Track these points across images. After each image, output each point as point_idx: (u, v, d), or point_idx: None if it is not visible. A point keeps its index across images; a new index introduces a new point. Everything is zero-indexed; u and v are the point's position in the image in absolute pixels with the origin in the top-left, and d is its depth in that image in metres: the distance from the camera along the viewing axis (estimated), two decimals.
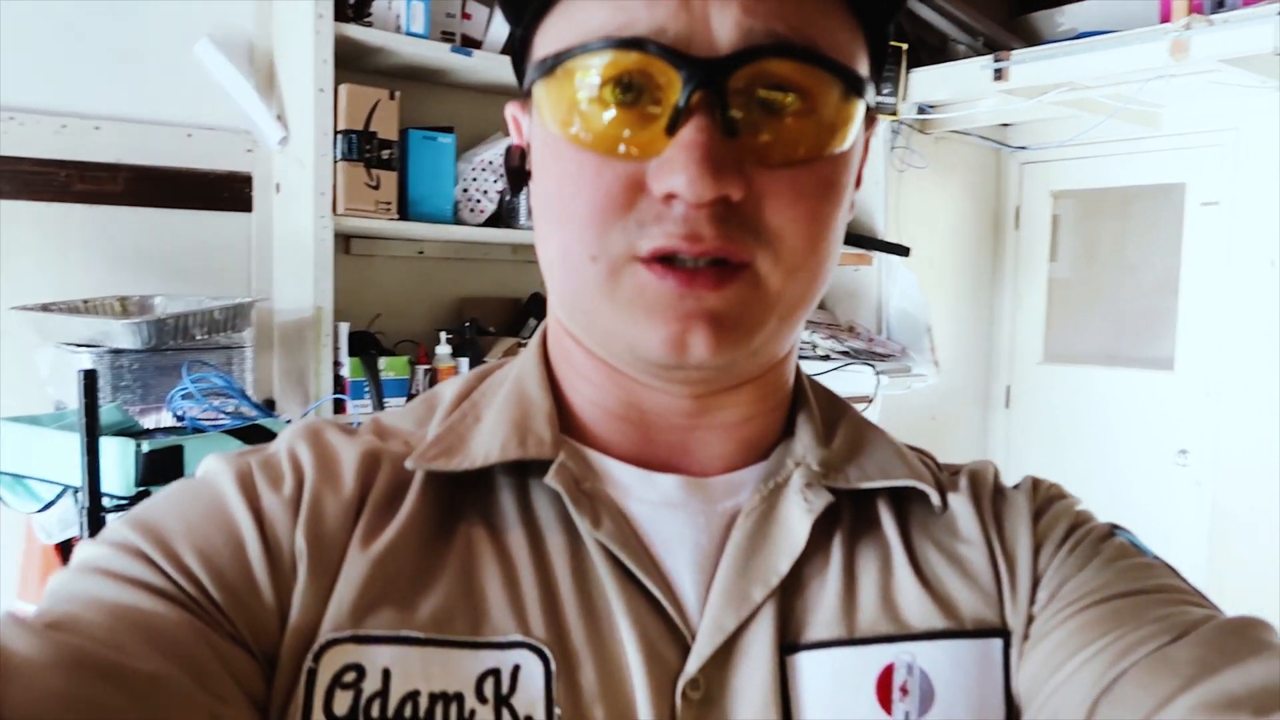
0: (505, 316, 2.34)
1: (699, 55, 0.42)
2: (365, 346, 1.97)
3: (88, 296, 1.76)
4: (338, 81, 1.83)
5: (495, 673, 0.44)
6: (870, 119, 0.50)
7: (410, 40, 1.90)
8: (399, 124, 1.90)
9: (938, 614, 0.49)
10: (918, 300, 2.77)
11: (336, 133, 1.83)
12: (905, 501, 0.53)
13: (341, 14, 1.84)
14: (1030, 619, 0.49)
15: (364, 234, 2.05)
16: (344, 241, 2.08)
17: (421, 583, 0.47)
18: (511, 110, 0.53)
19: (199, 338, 1.62)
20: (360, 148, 1.85)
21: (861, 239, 2.71)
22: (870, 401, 2.61)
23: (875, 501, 0.53)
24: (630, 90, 0.44)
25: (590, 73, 0.44)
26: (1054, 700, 0.46)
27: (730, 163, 0.42)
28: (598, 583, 0.47)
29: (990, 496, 0.54)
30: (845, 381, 2.54)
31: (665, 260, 0.44)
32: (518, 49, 0.51)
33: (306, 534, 0.46)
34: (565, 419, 0.53)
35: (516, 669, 0.45)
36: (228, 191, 1.97)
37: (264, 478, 0.48)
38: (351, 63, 1.93)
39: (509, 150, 0.52)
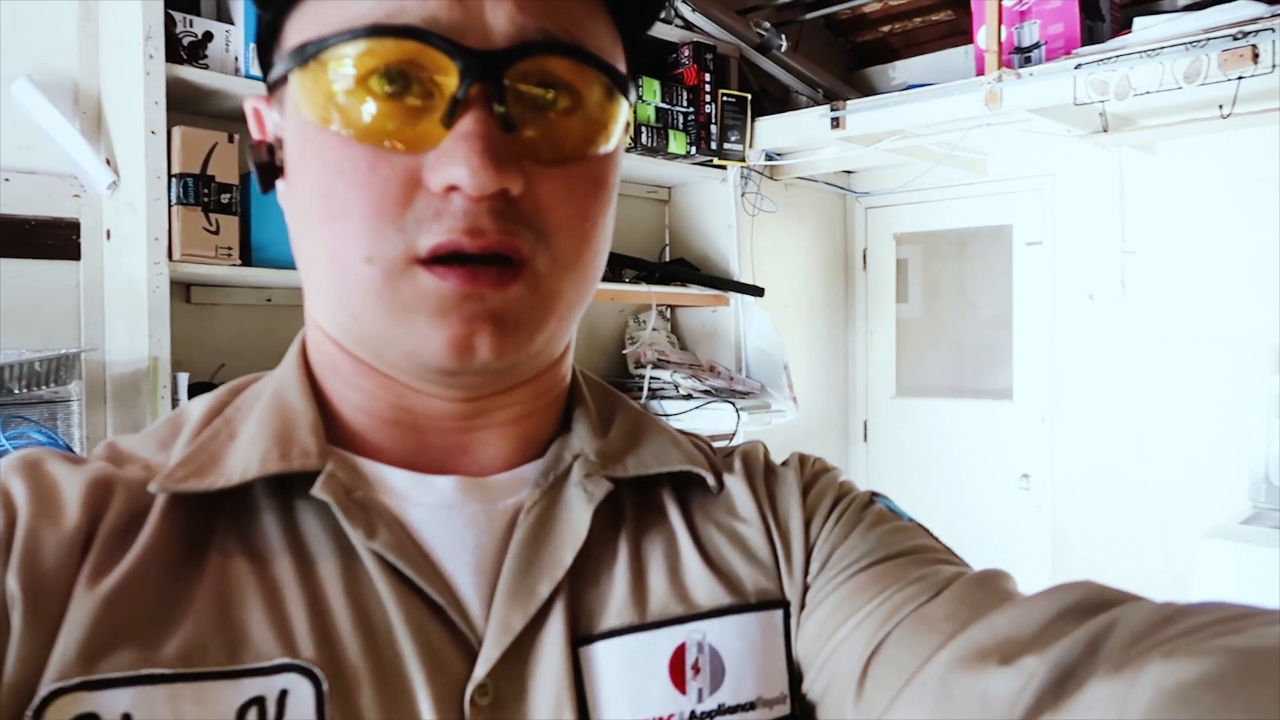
0: None
1: (475, 47, 0.42)
2: None
3: None
4: (171, 124, 1.77)
5: (259, 701, 0.41)
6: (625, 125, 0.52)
7: (248, 83, 1.87)
8: (239, 167, 1.85)
9: (723, 591, 0.50)
10: (773, 339, 2.86)
11: (171, 177, 1.77)
12: (686, 486, 0.54)
13: (175, 56, 1.79)
14: (806, 588, 0.51)
15: (205, 281, 1.98)
16: (184, 290, 2.00)
17: (167, 616, 0.43)
18: (252, 103, 0.50)
19: (17, 391, 1.53)
20: (198, 192, 1.79)
21: (717, 280, 2.79)
22: (731, 438, 2.67)
23: (657, 489, 0.54)
24: (399, 81, 0.42)
25: (358, 61, 0.42)
26: (830, 664, 0.48)
27: (510, 156, 0.42)
28: (374, 595, 0.45)
29: (763, 475, 0.56)
30: (708, 419, 2.59)
31: (446, 261, 0.43)
32: (265, 36, 0.48)
33: (19, 578, 0.41)
34: (332, 428, 0.50)
35: (284, 694, 0.42)
36: (52, 239, 1.87)
37: None
38: (187, 105, 1.88)
39: (254, 146, 0.49)
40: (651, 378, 2.64)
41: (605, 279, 2.58)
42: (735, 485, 0.55)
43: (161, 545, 0.44)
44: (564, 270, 0.45)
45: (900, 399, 3.52)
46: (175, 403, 1.80)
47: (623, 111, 0.47)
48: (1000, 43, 2.35)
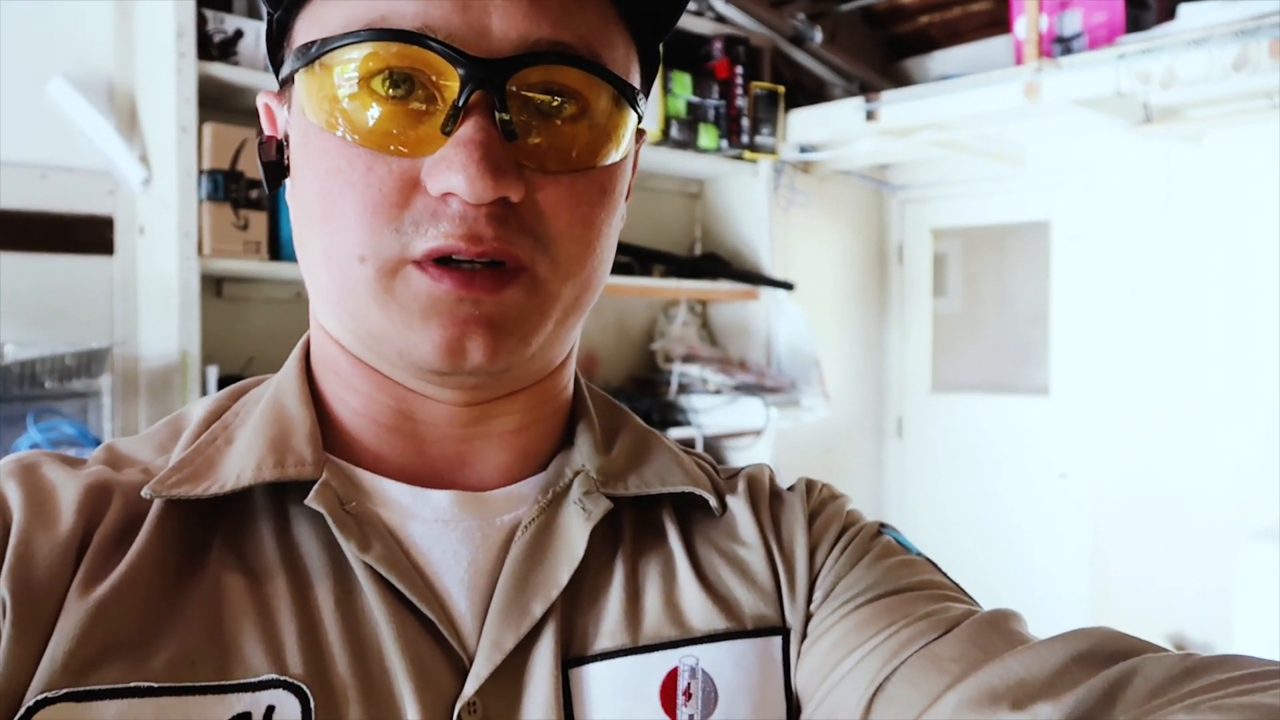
0: None
1: (477, 55, 0.41)
2: None
3: None
4: (203, 121, 1.79)
5: (246, 717, 0.41)
6: (639, 134, 0.51)
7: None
8: None
9: (719, 615, 0.49)
10: (805, 334, 2.83)
11: (201, 173, 1.79)
12: (687, 507, 0.53)
13: (206, 53, 1.81)
14: (808, 617, 0.50)
15: (235, 276, 2.00)
16: (215, 284, 2.02)
17: (157, 626, 0.42)
18: (264, 99, 0.50)
19: (49, 385, 1.55)
20: (227, 188, 1.80)
21: (747, 274, 2.76)
22: (759, 434, 2.65)
23: (658, 508, 0.53)
24: (402, 84, 0.42)
25: (360, 63, 0.42)
26: (832, 698, 0.47)
27: (509, 164, 0.42)
28: (365, 610, 0.45)
29: (767, 500, 0.55)
30: (736, 414, 2.57)
31: (441, 262, 0.42)
32: (275, 34, 0.48)
33: (11, 583, 0.41)
34: (330, 436, 0.49)
35: (270, 710, 0.41)
36: (87, 234, 1.90)
37: None
38: (217, 102, 1.89)
39: (262, 143, 0.49)
40: (680, 373, 2.63)
41: (635, 273, 2.57)
42: (738, 508, 0.54)
43: (155, 553, 0.44)
44: (565, 276, 0.45)
45: (936, 395, 3.47)
46: (206, 395, 1.82)
47: (631, 122, 0.47)
48: (1040, 32, 2.29)
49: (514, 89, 0.42)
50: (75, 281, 1.89)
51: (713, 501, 0.53)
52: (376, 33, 0.41)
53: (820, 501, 0.56)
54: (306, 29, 0.45)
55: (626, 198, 0.51)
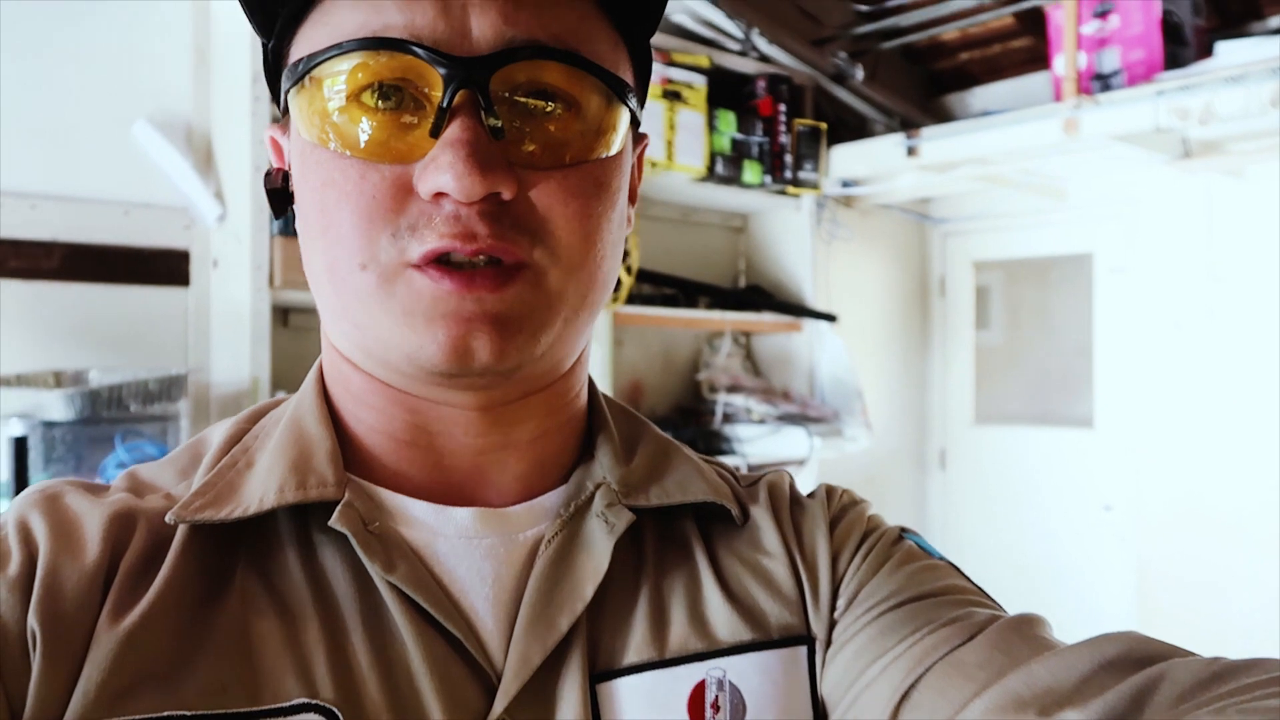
0: None
1: (459, 55, 0.42)
2: None
3: (21, 371, 1.78)
4: None
5: None
6: (640, 137, 0.51)
7: None
8: None
9: (744, 626, 0.49)
10: (847, 365, 2.87)
11: None
12: (709, 517, 0.53)
13: None
14: (833, 624, 0.50)
15: (302, 307, 2.10)
16: (282, 315, 2.12)
17: (187, 654, 0.42)
18: (270, 133, 0.51)
19: (133, 409, 1.65)
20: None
21: (789, 306, 2.82)
22: (803, 463, 2.68)
23: (680, 519, 0.52)
24: (391, 94, 0.42)
25: (348, 75, 0.43)
26: (858, 705, 0.47)
27: (498, 161, 0.42)
28: (392, 630, 0.44)
29: (788, 507, 0.55)
30: (780, 444, 2.61)
31: (440, 262, 0.42)
32: (271, 63, 0.48)
33: (40, 614, 0.41)
34: (349, 455, 0.49)
35: None
36: (165, 267, 2.01)
37: None
38: None
39: (269, 174, 0.49)
40: (725, 402, 2.68)
41: (680, 305, 2.64)
42: (760, 517, 0.54)
43: (182, 580, 0.44)
44: (567, 270, 0.45)
45: (979, 426, 3.48)
46: None
47: (623, 117, 0.46)
48: (1079, 70, 2.34)
49: (502, 93, 0.42)
50: (153, 311, 2.00)
51: (735, 511, 0.52)
52: (361, 42, 0.42)
53: (841, 508, 0.55)
54: (298, 52, 0.45)
55: (632, 203, 0.51)
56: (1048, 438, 3.28)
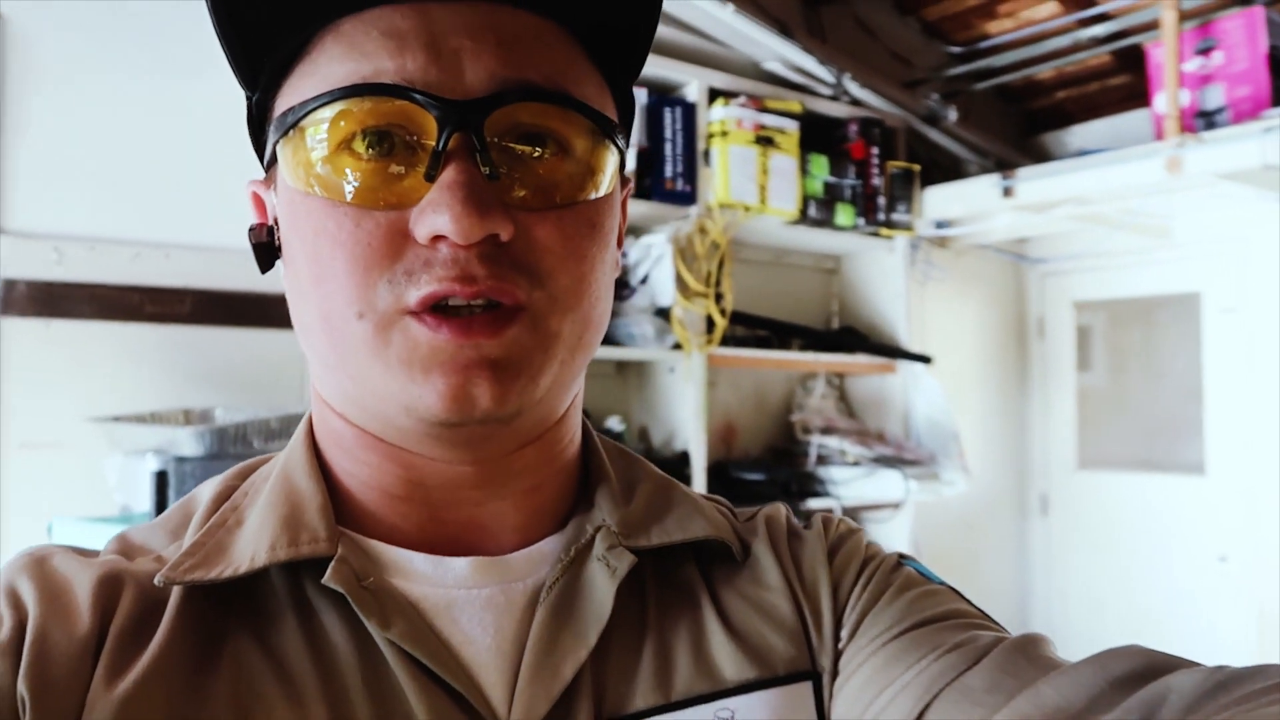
0: None
1: (452, 99, 0.42)
2: None
3: (155, 409, 1.91)
4: None
5: None
6: (625, 180, 0.51)
7: None
8: None
9: (749, 665, 0.49)
10: (943, 408, 2.83)
11: None
12: (709, 554, 0.53)
13: None
14: (838, 655, 0.50)
15: None
16: None
17: (186, 717, 0.41)
18: (252, 188, 0.50)
19: (256, 445, 1.75)
20: None
21: (884, 348, 2.81)
22: (899, 506, 2.65)
23: (681, 558, 0.52)
24: (384, 140, 0.42)
25: (339, 122, 0.42)
26: None
27: (495, 202, 0.41)
28: (393, 688, 0.44)
29: (786, 539, 0.55)
30: (875, 487, 2.59)
31: (438, 310, 0.42)
32: (256, 117, 0.48)
33: (29, 680, 0.40)
34: (341, 510, 0.48)
35: None
36: (285, 311, 2.12)
37: None
38: None
39: (253, 228, 0.49)
40: (819, 444, 2.68)
41: (773, 346, 2.66)
42: (760, 551, 0.53)
43: (177, 642, 0.43)
44: (564, 312, 0.44)
45: (1083, 471, 3.38)
46: None
47: (612, 158, 0.47)
48: (1181, 107, 2.30)
49: (494, 139, 0.43)
50: (274, 353, 2.13)
51: (736, 547, 0.52)
52: (354, 88, 0.42)
53: (839, 537, 0.55)
54: (285, 103, 0.45)
55: (619, 246, 0.51)
56: (1157, 484, 3.16)
